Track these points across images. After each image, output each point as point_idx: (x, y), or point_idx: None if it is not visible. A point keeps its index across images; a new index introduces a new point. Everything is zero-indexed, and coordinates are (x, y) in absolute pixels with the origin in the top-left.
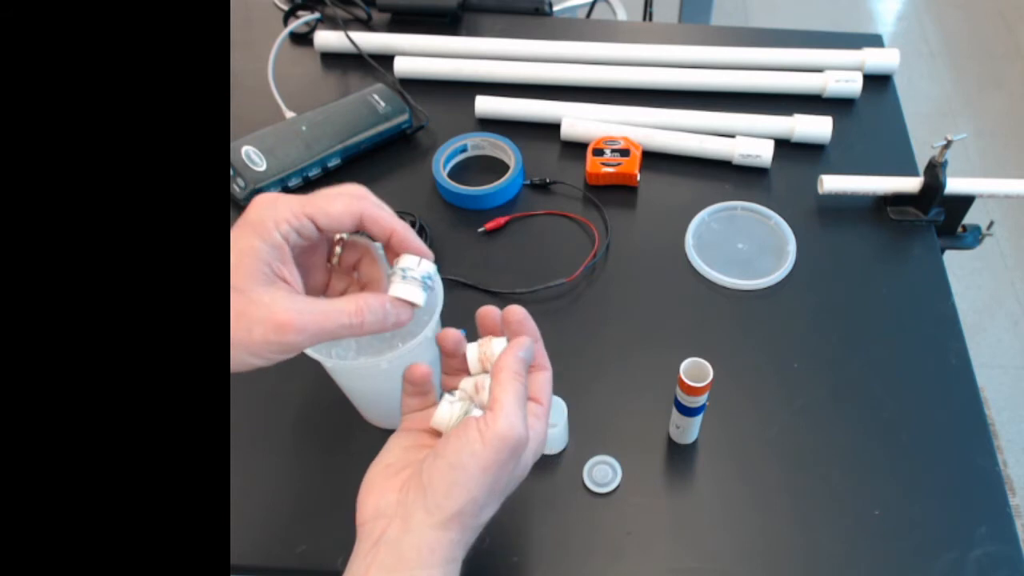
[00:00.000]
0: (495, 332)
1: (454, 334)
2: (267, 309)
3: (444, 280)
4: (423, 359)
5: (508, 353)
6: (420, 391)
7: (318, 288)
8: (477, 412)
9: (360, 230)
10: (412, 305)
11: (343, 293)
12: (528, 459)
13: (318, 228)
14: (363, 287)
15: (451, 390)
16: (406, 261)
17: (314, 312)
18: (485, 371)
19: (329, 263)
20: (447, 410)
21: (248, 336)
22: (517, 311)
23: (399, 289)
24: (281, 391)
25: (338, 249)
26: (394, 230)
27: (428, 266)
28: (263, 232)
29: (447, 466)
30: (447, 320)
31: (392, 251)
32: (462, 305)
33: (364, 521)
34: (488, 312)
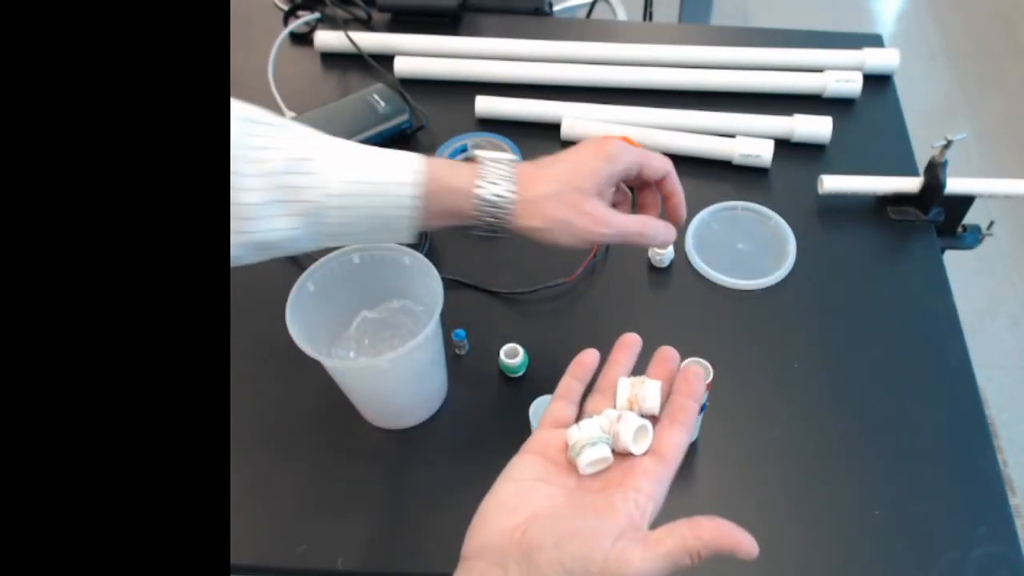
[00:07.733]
0: (668, 374)
1: (593, 357)
2: (593, 209)
3: (444, 280)
4: (421, 359)
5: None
6: (583, 377)
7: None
8: (604, 448)
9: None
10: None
11: None
12: None
13: (640, 174)
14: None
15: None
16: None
17: (621, 217)
18: (631, 410)
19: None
20: (575, 434)
21: (579, 221)
22: (669, 354)
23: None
24: (281, 392)
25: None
26: (668, 174)
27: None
28: (613, 163)
29: (561, 569)
30: (446, 321)
31: (661, 190)
32: (462, 305)
33: (467, 555)
34: (665, 355)
